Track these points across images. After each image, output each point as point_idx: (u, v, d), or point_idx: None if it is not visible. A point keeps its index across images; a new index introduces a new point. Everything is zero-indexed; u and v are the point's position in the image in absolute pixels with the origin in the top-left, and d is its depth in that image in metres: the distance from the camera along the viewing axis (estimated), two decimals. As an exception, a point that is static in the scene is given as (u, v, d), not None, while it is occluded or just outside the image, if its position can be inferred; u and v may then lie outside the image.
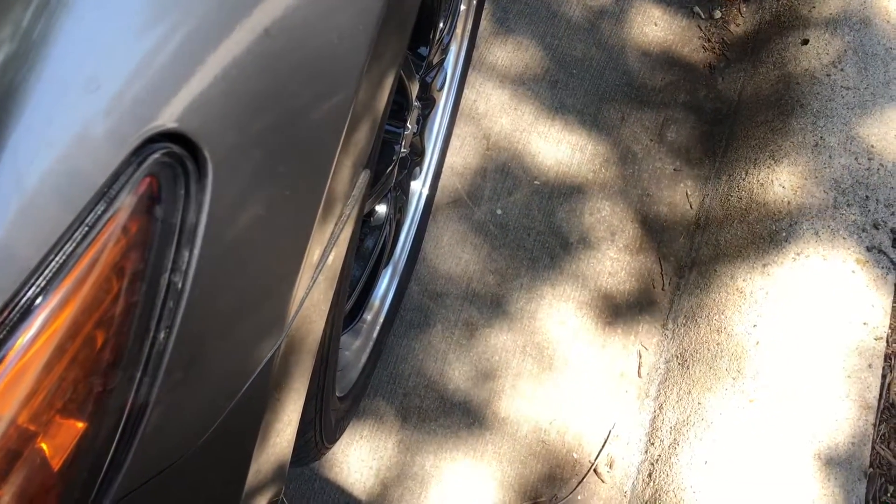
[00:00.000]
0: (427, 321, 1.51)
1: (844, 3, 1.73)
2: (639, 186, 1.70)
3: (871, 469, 1.28)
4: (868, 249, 1.43)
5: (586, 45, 1.86)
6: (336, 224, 0.69)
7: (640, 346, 1.53)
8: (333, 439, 1.18)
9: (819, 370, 1.33)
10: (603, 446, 1.43)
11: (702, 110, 1.81)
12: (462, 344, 1.50)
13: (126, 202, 0.47)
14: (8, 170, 0.43)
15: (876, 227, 1.45)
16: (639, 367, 1.51)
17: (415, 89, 1.13)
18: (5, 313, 0.43)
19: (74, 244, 0.46)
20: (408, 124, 1.15)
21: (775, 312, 1.40)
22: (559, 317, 1.54)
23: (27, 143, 0.45)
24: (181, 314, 0.52)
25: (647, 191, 1.70)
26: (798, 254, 1.44)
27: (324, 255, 0.69)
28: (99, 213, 0.46)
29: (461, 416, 1.43)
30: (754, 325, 1.40)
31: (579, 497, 1.40)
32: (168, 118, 0.49)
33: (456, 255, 1.58)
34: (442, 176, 1.60)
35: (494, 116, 1.73)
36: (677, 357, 1.49)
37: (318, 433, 1.02)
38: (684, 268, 1.62)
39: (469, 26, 1.47)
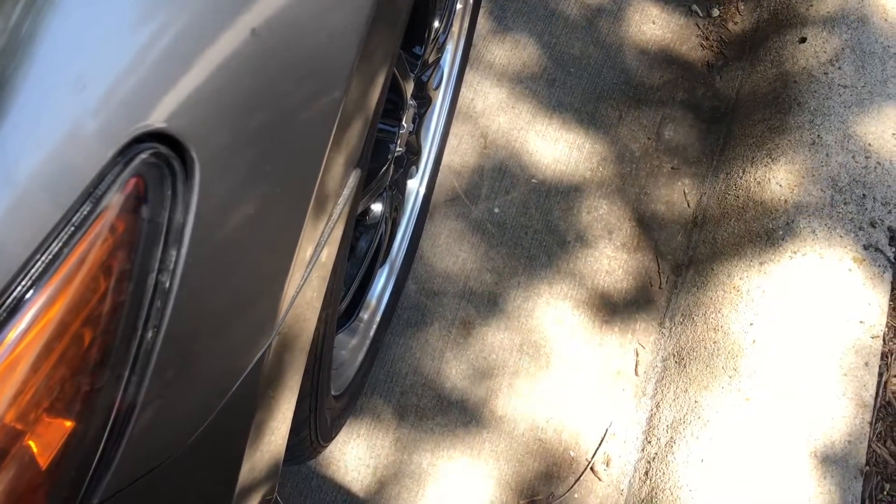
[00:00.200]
0: (424, 320, 1.51)
1: (842, 2, 1.73)
2: (636, 185, 1.70)
3: (868, 467, 1.28)
4: (865, 247, 1.43)
5: (584, 44, 1.86)
6: (327, 223, 0.69)
7: (637, 345, 1.53)
8: (329, 437, 1.18)
9: (816, 368, 1.33)
10: (600, 444, 1.43)
11: (699, 108, 1.81)
12: (459, 342, 1.50)
13: (112, 202, 0.48)
14: (-6, 169, 0.44)
15: (873, 225, 1.45)
16: (636, 366, 1.51)
17: (410, 88, 1.13)
18: (-8, 312, 0.44)
19: (61, 243, 0.46)
20: (403, 123, 1.15)
21: (772, 310, 1.40)
22: (556, 315, 1.54)
23: (15, 142, 0.45)
24: (169, 313, 0.52)
25: (645, 189, 1.70)
26: (795, 252, 1.44)
27: (315, 254, 0.69)
28: (85, 212, 0.47)
29: (458, 414, 1.44)
30: (751, 324, 1.40)
31: (576, 495, 1.40)
32: (155, 118, 0.49)
33: (453, 253, 1.58)
34: (439, 174, 1.60)
35: (492, 115, 1.73)
36: (674, 355, 1.49)
37: (313, 431, 1.03)
38: (681, 266, 1.62)
39: (466, 25, 1.47)
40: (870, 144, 1.53)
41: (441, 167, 1.61)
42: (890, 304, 1.40)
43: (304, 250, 0.66)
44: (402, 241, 1.44)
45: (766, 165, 1.58)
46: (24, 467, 0.47)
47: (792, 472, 1.26)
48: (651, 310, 1.57)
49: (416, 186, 1.48)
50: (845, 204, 1.47)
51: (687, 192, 1.70)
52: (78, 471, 0.51)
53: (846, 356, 1.34)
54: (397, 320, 1.49)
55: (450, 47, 1.47)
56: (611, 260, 1.61)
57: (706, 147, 1.76)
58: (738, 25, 1.93)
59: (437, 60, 1.35)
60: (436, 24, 1.18)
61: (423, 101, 1.37)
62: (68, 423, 0.49)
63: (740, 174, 1.63)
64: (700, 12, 1.95)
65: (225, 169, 0.54)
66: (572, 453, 1.43)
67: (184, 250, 0.52)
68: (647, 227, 1.65)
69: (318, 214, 0.66)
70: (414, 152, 1.40)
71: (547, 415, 1.45)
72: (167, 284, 0.51)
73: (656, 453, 1.38)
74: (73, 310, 0.47)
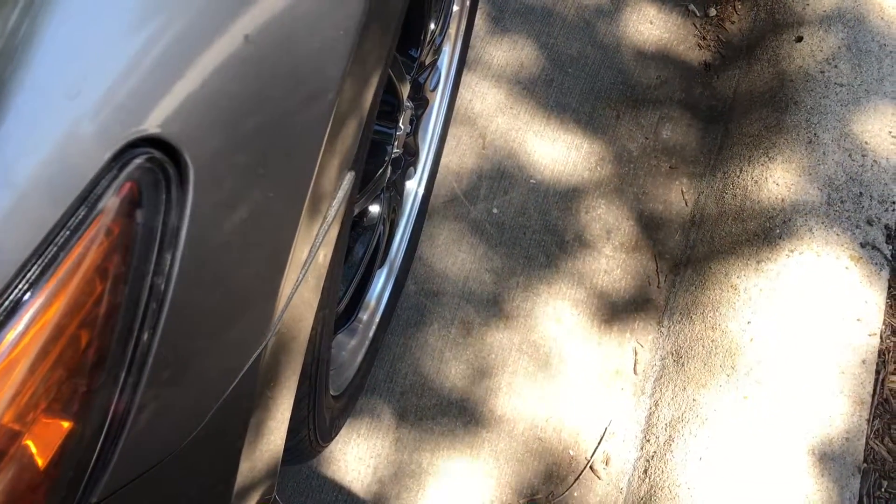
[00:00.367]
0: (424, 320, 1.52)
1: (838, 1, 1.74)
2: (634, 184, 1.70)
3: (866, 464, 1.29)
4: (862, 246, 1.44)
5: (582, 44, 1.86)
6: (322, 224, 0.70)
7: (636, 344, 1.54)
8: (329, 437, 1.19)
9: (813, 366, 1.34)
10: (599, 443, 1.44)
11: (697, 108, 1.82)
12: (459, 342, 1.50)
13: (108, 206, 0.48)
14: (-9, 174, 0.44)
15: (870, 223, 1.46)
16: (634, 365, 1.52)
17: (406, 90, 1.14)
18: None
19: (57, 247, 0.47)
20: (400, 125, 1.16)
21: (769, 309, 1.40)
22: (555, 315, 1.55)
23: (11, 147, 0.46)
24: (165, 315, 0.53)
25: (643, 189, 1.70)
26: (792, 250, 1.45)
27: (310, 255, 0.70)
28: (81, 216, 0.47)
29: (458, 413, 1.44)
30: (748, 322, 1.41)
31: (576, 494, 1.41)
32: (150, 123, 0.50)
33: (452, 253, 1.59)
34: (438, 175, 1.61)
35: (490, 116, 1.74)
36: (672, 354, 1.49)
37: (312, 431, 1.03)
38: (679, 265, 1.62)
39: (462, 27, 1.48)
40: (866, 143, 1.54)
41: (439, 168, 1.62)
42: (887, 302, 1.41)
43: (300, 251, 0.67)
44: (400, 241, 1.45)
45: (763, 164, 1.59)
46: (22, 467, 0.48)
47: (790, 470, 1.26)
48: (649, 309, 1.58)
49: (414, 187, 1.49)
50: (842, 202, 1.48)
51: (685, 191, 1.71)
52: (76, 471, 0.51)
53: (844, 354, 1.35)
54: (397, 321, 1.50)
55: (447, 49, 1.48)
56: (609, 259, 1.62)
57: (704, 146, 1.77)
58: (735, 25, 1.93)
59: (434, 62, 1.36)
60: (431, 26, 1.18)
61: (421, 102, 1.37)
62: (66, 424, 0.50)
63: (738, 173, 1.63)
64: (697, 12, 1.95)
65: (219, 173, 0.55)
66: (572, 452, 1.44)
67: (179, 253, 0.52)
68: (646, 226, 1.66)
69: (312, 216, 0.67)
70: (412, 154, 1.41)
71: (546, 414, 1.46)
72: (162, 287, 0.52)
73: (655, 452, 1.39)
74: (70, 312, 0.48)
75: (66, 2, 0.48)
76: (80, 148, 0.47)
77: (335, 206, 0.71)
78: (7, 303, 0.45)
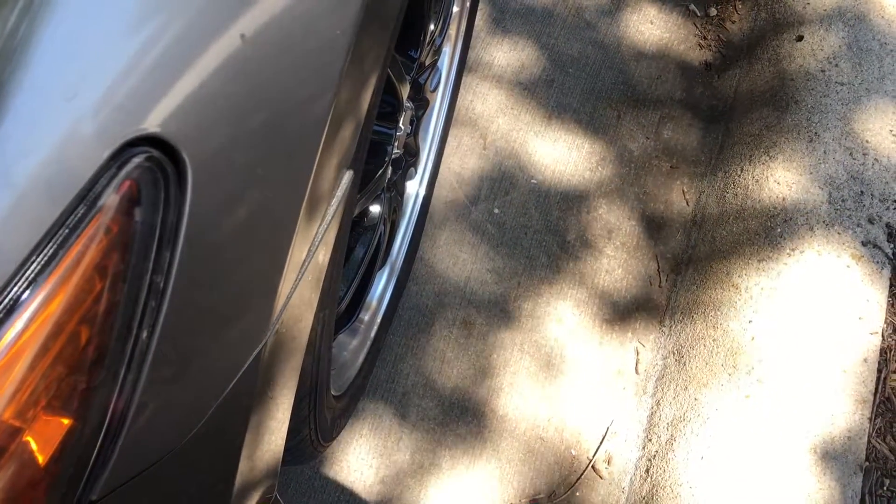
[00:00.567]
0: (425, 320, 1.52)
1: (839, -1, 1.74)
2: (635, 184, 1.71)
3: (868, 463, 1.29)
4: (863, 244, 1.43)
5: (582, 45, 1.87)
6: (320, 223, 0.70)
7: (638, 343, 1.54)
8: (330, 437, 1.19)
9: (814, 365, 1.34)
10: (601, 443, 1.44)
11: (698, 108, 1.82)
12: (460, 342, 1.51)
13: (106, 204, 0.49)
14: (-9, 174, 0.45)
15: (871, 221, 1.45)
16: (636, 364, 1.52)
17: (406, 90, 1.14)
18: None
19: (56, 245, 0.47)
20: (400, 125, 1.16)
21: (770, 308, 1.40)
22: (557, 315, 1.55)
23: (10, 146, 0.46)
24: (164, 313, 0.53)
25: (644, 188, 1.70)
26: (793, 249, 1.45)
27: (309, 255, 0.70)
28: (80, 214, 0.48)
29: (460, 413, 1.45)
30: (750, 321, 1.41)
31: (577, 493, 1.41)
32: (149, 123, 0.51)
33: (454, 254, 1.59)
34: (439, 176, 1.62)
35: (491, 116, 1.74)
36: (674, 353, 1.49)
37: (313, 431, 1.04)
38: (681, 265, 1.63)
39: (463, 28, 1.48)
40: (867, 141, 1.54)
41: (441, 169, 1.62)
42: (888, 301, 1.40)
43: (299, 250, 0.67)
44: (402, 242, 1.45)
45: (764, 164, 1.59)
46: (23, 464, 0.49)
47: (792, 469, 1.26)
48: (651, 308, 1.58)
49: (415, 188, 1.50)
50: (843, 201, 1.48)
51: (686, 190, 1.71)
52: (76, 467, 0.52)
53: (845, 353, 1.34)
54: (398, 321, 1.51)
55: (447, 50, 1.48)
56: (610, 259, 1.62)
57: (705, 146, 1.77)
58: (735, 24, 1.94)
59: (435, 63, 1.36)
60: (431, 27, 1.19)
61: (421, 103, 1.38)
62: (66, 421, 0.50)
63: (739, 172, 1.63)
64: (698, 12, 1.96)
65: (217, 172, 0.55)
66: (574, 452, 1.44)
67: (178, 252, 0.53)
68: (647, 226, 1.66)
69: (311, 215, 0.67)
70: (413, 154, 1.41)
71: (548, 414, 1.46)
72: (161, 285, 0.52)
73: (657, 451, 1.39)
74: (70, 309, 0.48)
75: (64, 2, 0.48)
76: (79, 147, 0.48)
77: (334, 205, 0.72)
78: (7, 300, 0.46)
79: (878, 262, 1.42)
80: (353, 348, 1.30)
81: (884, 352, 1.37)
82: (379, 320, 1.37)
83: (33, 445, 0.49)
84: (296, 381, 0.80)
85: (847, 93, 1.60)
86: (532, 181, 1.68)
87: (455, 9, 1.42)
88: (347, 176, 0.73)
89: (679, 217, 1.68)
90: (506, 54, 1.83)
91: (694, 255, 1.61)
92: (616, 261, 1.62)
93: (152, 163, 0.51)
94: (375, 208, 1.20)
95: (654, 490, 1.34)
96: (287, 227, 0.64)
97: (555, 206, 1.66)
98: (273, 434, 0.80)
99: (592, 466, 1.42)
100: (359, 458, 1.39)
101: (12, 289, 0.46)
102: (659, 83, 1.84)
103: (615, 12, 1.93)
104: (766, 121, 1.66)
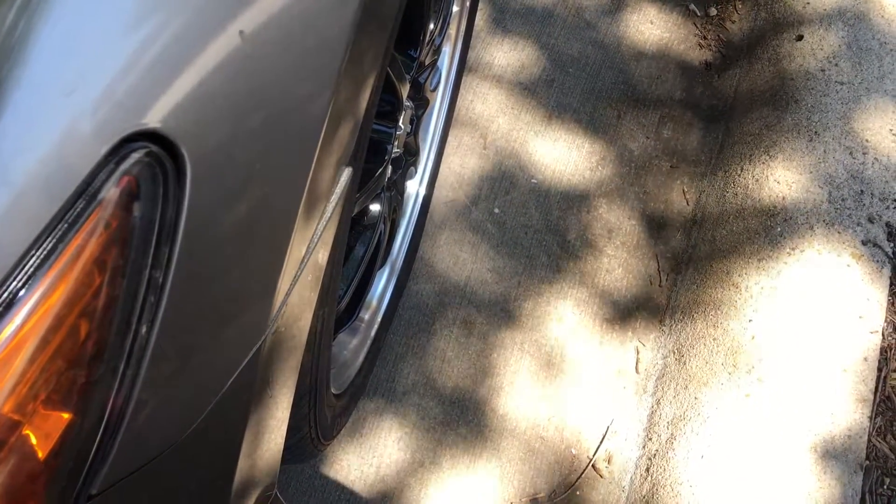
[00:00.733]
0: (426, 320, 1.52)
1: (839, -1, 1.74)
2: (636, 184, 1.71)
3: (868, 462, 1.29)
4: (863, 243, 1.44)
5: (582, 44, 1.87)
6: (319, 220, 0.70)
7: (638, 343, 1.54)
8: (330, 436, 1.19)
9: (815, 364, 1.34)
10: (601, 442, 1.44)
11: (698, 107, 1.82)
12: (460, 342, 1.51)
13: (106, 199, 0.49)
14: (-10, 169, 0.45)
15: (871, 220, 1.46)
16: (636, 364, 1.52)
17: (406, 89, 1.14)
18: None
19: (56, 239, 0.47)
20: (400, 124, 1.17)
21: (771, 307, 1.41)
22: (557, 314, 1.55)
23: (9, 142, 0.46)
24: (163, 308, 0.54)
25: (644, 188, 1.70)
26: (793, 248, 1.45)
27: (308, 251, 0.70)
28: (79, 209, 0.48)
29: (460, 413, 1.45)
30: (750, 320, 1.41)
31: (578, 493, 1.41)
32: (148, 119, 0.51)
33: (454, 253, 1.59)
34: (439, 175, 1.62)
35: (491, 116, 1.75)
36: (674, 353, 1.49)
37: (313, 429, 1.04)
38: (681, 264, 1.63)
39: (463, 28, 1.48)
40: (867, 141, 1.54)
41: (441, 168, 1.62)
42: (888, 300, 1.41)
43: (298, 247, 0.67)
44: (402, 241, 1.46)
45: (764, 163, 1.59)
46: (22, 457, 0.49)
47: (792, 468, 1.26)
48: (651, 307, 1.58)
49: (415, 187, 1.50)
50: (843, 200, 1.48)
51: (686, 190, 1.71)
52: (76, 461, 0.52)
53: (845, 352, 1.35)
54: (399, 320, 1.51)
55: (447, 49, 1.49)
56: (611, 258, 1.62)
57: (705, 145, 1.77)
58: (735, 24, 1.94)
59: (434, 62, 1.37)
60: (431, 26, 1.19)
61: (421, 102, 1.38)
62: (66, 415, 0.50)
63: (739, 172, 1.64)
64: (698, 11, 1.96)
65: (216, 168, 0.56)
66: (574, 451, 1.44)
67: (176, 247, 0.53)
68: (647, 225, 1.66)
69: (309, 212, 0.67)
70: (413, 153, 1.42)
71: (548, 413, 1.46)
72: (160, 280, 0.53)
73: (657, 450, 1.39)
74: (70, 303, 0.48)
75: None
76: (78, 143, 0.48)
77: (333, 202, 0.72)
78: (7, 294, 0.46)
79: (878, 261, 1.42)
80: (353, 347, 1.30)
81: (884, 350, 1.37)
82: (379, 319, 1.37)
83: (33, 439, 0.49)
84: (295, 378, 0.80)
85: (847, 92, 1.60)
86: (532, 181, 1.68)
87: (455, 8, 1.42)
88: (346, 173, 0.73)
89: (679, 216, 1.68)
90: (506, 54, 1.83)
91: (694, 254, 1.61)
92: (616, 260, 1.62)
93: (151, 158, 0.51)
94: (375, 207, 1.20)
95: (655, 489, 1.34)
96: (286, 223, 0.64)
97: (555, 205, 1.66)
98: (273, 431, 0.80)
99: (593, 465, 1.42)
100: (359, 457, 1.40)
101: (12, 283, 0.46)
102: (659, 83, 1.84)
103: (615, 12, 1.93)
104: (766, 120, 1.66)
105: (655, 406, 1.45)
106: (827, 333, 1.36)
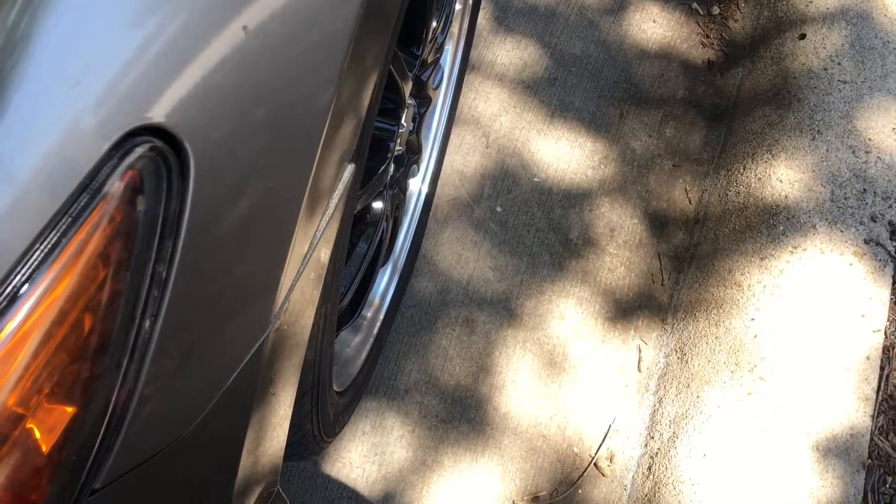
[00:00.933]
0: (428, 318, 1.52)
1: (842, -3, 1.74)
2: (638, 182, 1.71)
3: (870, 461, 1.28)
4: (866, 242, 1.43)
5: (585, 43, 1.87)
6: (322, 216, 0.70)
7: (640, 341, 1.54)
8: (333, 433, 1.19)
9: (817, 363, 1.34)
10: (603, 440, 1.44)
11: (701, 106, 1.82)
12: (463, 340, 1.51)
13: (110, 193, 0.49)
14: (-6, 163, 0.45)
15: (874, 219, 1.45)
16: (638, 362, 1.52)
17: (408, 87, 1.14)
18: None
19: (59, 233, 0.47)
20: (402, 122, 1.17)
21: (773, 306, 1.40)
22: (559, 312, 1.55)
23: (13, 137, 0.46)
24: (166, 303, 0.54)
25: (647, 187, 1.70)
26: (796, 247, 1.45)
27: (311, 248, 0.70)
28: (83, 203, 0.48)
29: (462, 411, 1.45)
30: (752, 319, 1.41)
31: (580, 491, 1.41)
32: (151, 114, 0.51)
33: (456, 252, 1.59)
34: (441, 173, 1.62)
35: (494, 114, 1.75)
36: (677, 351, 1.49)
37: (315, 426, 1.04)
38: (683, 262, 1.63)
39: (465, 26, 1.48)
40: (870, 139, 1.54)
41: (443, 166, 1.62)
42: (891, 298, 1.40)
43: (300, 243, 0.68)
44: (404, 239, 1.46)
45: (766, 161, 1.59)
46: (26, 451, 0.49)
47: (794, 466, 1.26)
48: (653, 306, 1.58)
49: (418, 186, 1.50)
50: (846, 199, 1.48)
51: (688, 188, 1.71)
52: (79, 456, 0.52)
53: (848, 350, 1.34)
54: (401, 318, 1.51)
55: (449, 47, 1.49)
56: (613, 257, 1.62)
57: (707, 144, 1.77)
58: (738, 23, 1.94)
59: (437, 60, 1.37)
60: (434, 23, 1.19)
61: (424, 100, 1.38)
62: (69, 409, 0.51)
63: (741, 170, 1.63)
64: (700, 10, 1.96)
65: (219, 163, 0.56)
66: (576, 449, 1.44)
67: (180, 242, 0.53)
68: (650, 224, 1.66)
69: (312, 208, 0.67)
70: (415, 152, 1.42)
71: (550, 411, 1.46)
72: (164, 274, 0.53)
73: (659, 448, 1.39)
74: (73, 296, 0.48)
75: (67, -6, 0.49)
76: (82, 137, 0.48)
77: (335, 199, 0.72)
78: (10, 288, 0.46)
79: (880, 260, 1.42)
80: (355, 345, 1.30)
81: (886, 349, 1.37)
82: (382, 317, 1.37)
83: (36, 433, 0.49)
84: (298, 375, 0.80)
85: (850, 91, 1.60)
86: (535, 179, 1.68)
87: (458, 6, 1.42)
88: (349, 170, 0.73)
89: (682, 215, 1.68)
90: (508, 53, 1.83)
91: (696, 252, 1.61)
92: (618, 259, 1.62)
93: (155, 153, 0.51)
94: (378, 205, 1.20)
95: (657, 487, 1.34)
96: (289, 219, 0.64)
97: (557, 204, 1.66)
98: (275, 428, 0.80)
99: (595, 464, 1.42)
100: (361, 455, 1.40)
101: (15, 277, 0.46)
102: (662, 82, 1.84)
103: (618, 11, 1.93)
104: (768, 119, 1.66)
105: (658, 404, 1.45)
106: (829, 332, 1.36)
